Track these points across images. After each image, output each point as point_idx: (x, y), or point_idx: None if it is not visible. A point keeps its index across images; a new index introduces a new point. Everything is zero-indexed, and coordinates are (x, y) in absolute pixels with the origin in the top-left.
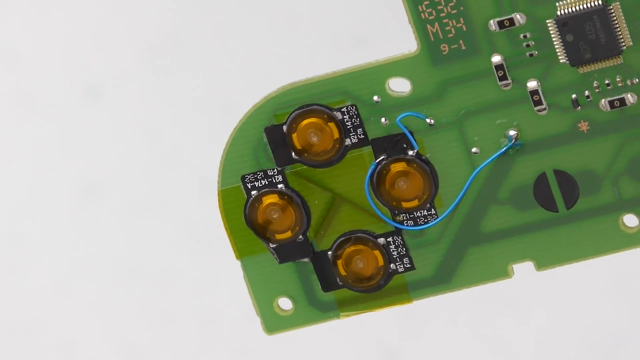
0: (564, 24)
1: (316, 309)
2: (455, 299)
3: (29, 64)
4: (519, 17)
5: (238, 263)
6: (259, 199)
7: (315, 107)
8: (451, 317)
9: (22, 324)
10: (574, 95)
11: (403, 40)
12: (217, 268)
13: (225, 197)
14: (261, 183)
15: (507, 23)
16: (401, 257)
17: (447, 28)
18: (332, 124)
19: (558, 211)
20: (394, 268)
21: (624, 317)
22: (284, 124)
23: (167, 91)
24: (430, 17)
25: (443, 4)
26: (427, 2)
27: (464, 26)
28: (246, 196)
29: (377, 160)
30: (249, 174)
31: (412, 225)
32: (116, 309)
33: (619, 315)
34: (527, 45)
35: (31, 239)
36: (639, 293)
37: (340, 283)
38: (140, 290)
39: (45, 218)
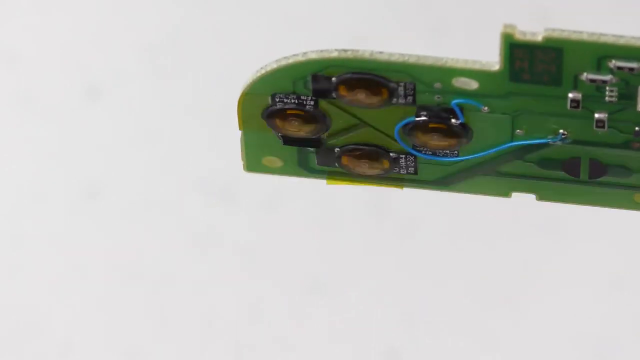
0: None
1: (304, 170)
2: (455, 299)
3: (29, 64)
4: (613, 78)
5: (238, 262)
6: (283, 110)
7: (372, 76)
8: (451, 318)
9: (22, 324)
10: (637, 128)
11: (403, 41)
12: (217, 268)
13: (247, 100)
14: (291, 101)
15: (599, 81)
16: (407, 166)
17: (536, 67)
18: (384, 89)
19: (579, 177)
20: (397, 171)
21: (623, 318)
22: (335, 76)
23: (167, 91)
24: (523, 57)
25: (541, 51)
26: (525, 49)
27: (554, 68)
28: (270, 103)
29: (417, 115)
30: (280, 93)
31: (430, 155)
32: (116, 309)
33: (619, 315)
34: (611, 93)
35: (31, 239)
36: (638, 293)
37: (338, 166)
38: (140, 291)
39: (45, 218)
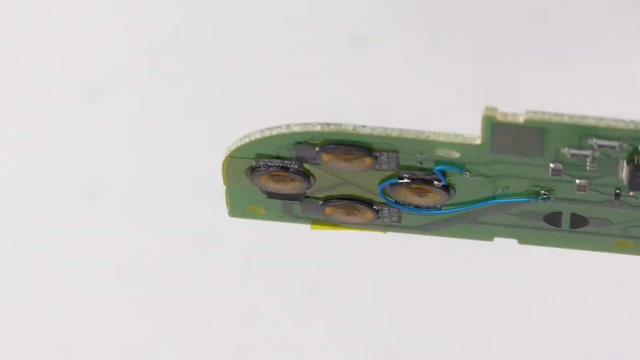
0: (638, 171)
1: (288, 216)
2: (454, 302)
3: (29, 64)
4: (594, 153)
5: (238, 262)
6: (267, 172)
7: (354, 147)
8: (450, 321)
9: (22, 324)
10: (618, 190)
11: (403, 41)
12: (217, 268)
13: (232, 162)
14: (274, 164)
15: (580, 156)
16: (390, 216)
17: (519, 142)
18: (367, 158)
19: (561, 227)
20: (381, 220)
21: (622, 320)
22: (319, 146)
23: (167, 91)
24: (506, 134)
25: (523, 130)
26: (506, 127)
27: (536, 143)
28: (255, 165)
29: (399, 177)
30: (265, 157)
31: (413, 209)
32: (115, 309)
33: (617, 317)
34: (592, 164)
35: (30, 238)
36: (637, 294)
37: (322, 215)
38: (140, 291)
39: (45, 218)
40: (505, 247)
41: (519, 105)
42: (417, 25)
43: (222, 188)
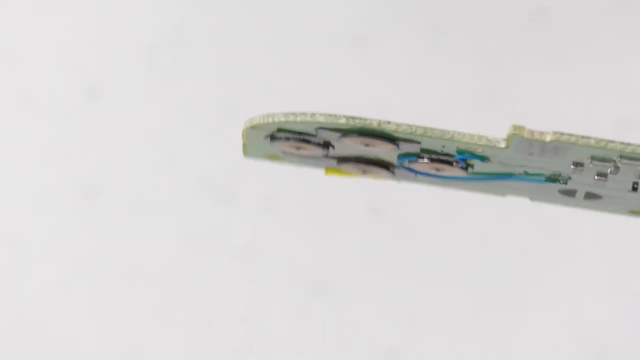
0: None
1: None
2: (455, 301)
3: (29, 64)
4: (616, 165)
5: (238, 262)
6: (287, 139)
7: (376, 138)
8: (451, 319)
9: (22, 324)
10: (636, 184)
11: (403, 41)
12: (217, 268)
13: (252, 133)
14: (295, 137)
15: (603, 165)
16: (406, 176)
17: (544, 149)
18: (390, 145)
19: (575, 197)
20: (395, 178)
21: (622, 319)
22: (340, 132)
23: (167, 91)
24: (532, 145)
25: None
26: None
27: (558, 157)
28: (277, 135)
29: (419, 156)
30: (286, 131)
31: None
32: (115, 309)
33: (617, 317)
34: (614, 170)
35: (31, 239)
36: (636, 295)
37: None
38: (139, 290)
39: (44, 217)
40: (505, 246)
41: (518, 105)
42: (417, 25)
43: (222, 190)
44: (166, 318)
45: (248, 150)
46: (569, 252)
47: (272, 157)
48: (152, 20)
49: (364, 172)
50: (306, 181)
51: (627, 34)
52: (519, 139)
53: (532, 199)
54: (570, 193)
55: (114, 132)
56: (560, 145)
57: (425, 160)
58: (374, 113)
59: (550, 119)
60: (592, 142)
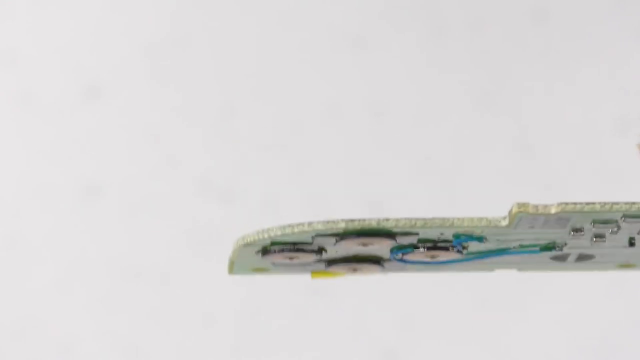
0: None
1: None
2: (454, 301)
3: (29, 64)
4: (619, 224)
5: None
6: (281, 252)
7: (376, 236)
8: (450, 320)
9: (22, 324)
10: (633, 240)
11: (403, 41)
12: (217, 268)
13: (244, 250)
14: (289, 248)
15: (604, 226)
16: (397, 268)
17: (547, 221)
18: (387, 241)
19: (566, 261)
20: (385, 271)
21: (621, 321)
22: (338, 237)
23: (167, 91)
24: (534, 220)
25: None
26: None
27: (562, 225)
28: (269, 249)
29: (415, 247)
30: (280, 244)
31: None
32: (115, 308)
33: (616, 318)
34: (613, 230)
35: (31, 238)
36: (636, 296)
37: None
38: (139, 290)
39: (45, 218)
40: None
41: (518, 106)
42: (417, 25)
43: (222, 190)
44: (166, 317)
45: (235, 267)
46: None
47: (259, 270)
48: (152, 20)
49: (354, 270)
50: (306, 181)
51: (627, 34)
52: (524, 215)
53: (520, 269)
54: (562, 258)
55: (114, 132)
56: (564, 215)
57: (421, 250)
58: (373, 113)
59: (550, 119)
60: (598, 207)
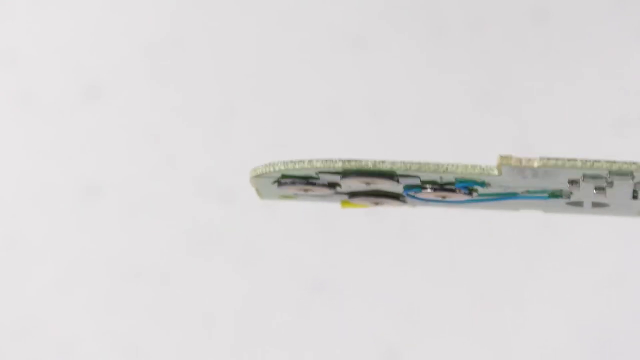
0: None
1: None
2: (454, 298)
3: (29, 64)
4: (607, 179)
5: (238, 261)
6: (294, 183)
7: (377, 176)
8: (451, 317)
9: (22, 324)
10: (635, 191)
11: (403, 40)
12: (217, 268)
13: (257, 180)
14: (300, 181)
15: (593, 180)
16: (415, 203)
17: (536, 172)
18: (389, 181)
19: (583, 207)
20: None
21: (621, 316)
22: (340, 174)
23: (167, 91)
24: (522, 171)
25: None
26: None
27: (551, 174)
28: (282, 181)
29: (422, 187)
30: (290, 177)
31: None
32: (115, 308)
33: (616, 314)
34: (608, 179)
35: (31, 238)
36: (636, 293)
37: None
38: (139, 290)
39: (45, 218)
40: (504, 244)
41: (518, 106)
42: (417, 25)
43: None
44: (166, 317)
45: (262, 194)
46: (569, 248)
47: (287, 197)
48: (152, 20)
49: (376, 204)
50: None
51: (627, 34)
52: (508, 167)
53: (545, 211)
54: (578, 204)
55: (114, 132)
56: (549, 169)
57: (429, 190)
58: (373, 113)
59: (550, 119)
60: (579, 163)
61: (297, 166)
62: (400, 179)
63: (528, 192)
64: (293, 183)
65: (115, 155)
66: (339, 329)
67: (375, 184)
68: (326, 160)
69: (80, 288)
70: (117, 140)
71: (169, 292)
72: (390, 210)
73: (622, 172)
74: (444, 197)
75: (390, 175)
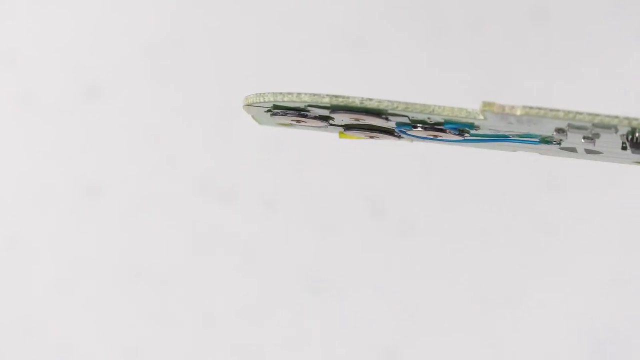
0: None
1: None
2: (454, 299)
3: (29, 64)
4: (591, 132)
5: (239, 264)
6: (286, 114)
7: (365, 113)
8: (450, 317)
9: (22, 324)
10: (624, 144)
11: (402, 41)
12: (217, 268)
13: (250, 109)
14: (292, 112)
15: (577, 131)
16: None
17: (520, 121)
18: (378, 119)
19: (577, 152)
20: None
21: (621, 316)
22: (329, 109)
23: (167, 91)
24: (505, 118)
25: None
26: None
27: (535, 123)
28: (274, 110)
29: (413, 126)
30: (281, 108)
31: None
32: (115, 309)
33: (616, 314)
34: (593, 131)
35: (31, 238)
36: (636, 293)
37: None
38: (139, 290)
39: (45, 218)
40: (504, 243)
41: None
42: (417, 25)
43: (222, 190)
44: (166, 317)
45: (259, 120)
46: (568, 248)
47: (284, 125)
48: (152, 20)
49: (371, 137)
50: (306, 181)
51: (627, 34)
52: (491, 113)
53: (541, 153)
54: (571, 150)
55: (114, 132)
56: (532, 118)
57: (419, 128)
58: None
59: None
60: (561, 114)
61: (285, 98)
62: (390, 118)
63: (519, 136)
64: (285, 114)
65: (115, 155)
66: (339, 329)
67: (365, 120)
68: (314, 95)
69: (80, 288)
70: (117, 140)
71: (169, 292)
72: (387, 143)
73: (604, 125)
74: (435, 136)
75: (377, 113)
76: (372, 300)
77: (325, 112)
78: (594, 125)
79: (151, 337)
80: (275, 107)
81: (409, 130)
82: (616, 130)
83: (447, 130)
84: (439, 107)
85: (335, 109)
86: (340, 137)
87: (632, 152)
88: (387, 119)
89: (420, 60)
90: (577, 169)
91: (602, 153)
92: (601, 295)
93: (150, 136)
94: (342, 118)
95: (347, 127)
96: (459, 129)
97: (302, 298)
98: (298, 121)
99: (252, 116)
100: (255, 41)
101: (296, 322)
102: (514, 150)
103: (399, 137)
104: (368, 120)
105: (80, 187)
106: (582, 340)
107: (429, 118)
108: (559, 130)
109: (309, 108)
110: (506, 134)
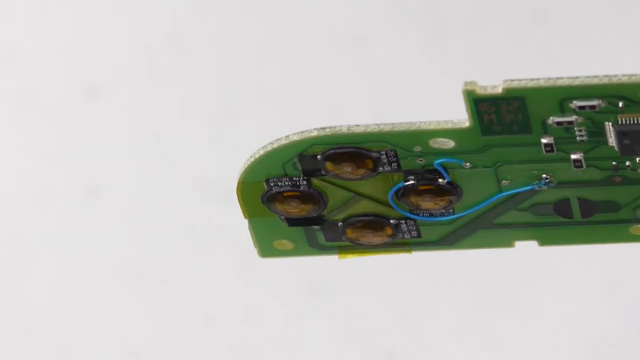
0: (623, 133)
1: (315, 248)
2: (455, 301)
3: (29, 64)
4: (578, 119)
5: (238, 264)
6: (279, 193)
7: (353, 149)
8: (451, 320)
9: (22, 324)
10: (614, 162)
11: (403, 41)
12: (217, 268)
13: (245, 189)
14: (284, 183)
15: (565, 123)
16: (410, 230)
17: (504, 118)
18: (368, 160)
19: (573, 218)
20: (401, 236)
21: (622, 320)
22: (320, 154)
23: (167, 91)
24: (489, 110)
25: (504, 102)
26: (488, 102)
27: (520, 117)
28: (266, 188)
29: (405, 180)
30: (273, 178)
31: (428, 217)
32: (115, 309)
33: (617, 317)
34: (580, 132)
35: (31, 238)
36: (636, 295)
37: (345, 239)
38: (139, 291)
39: (45, 218)
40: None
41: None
42: (417, 25)
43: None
44: (166, 317)
45: (259, 240)
46: (569, 251)
47: (284, 246)
48: (152, 20)
49: (370, 234)
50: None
51: (627, 34)
52: (473, 96)
53: (540, 242)
54: (566, 209)
55: (114, 132)
56: (515, 101)
57: (411, 181)
58: (373, 114)
59: None
60: (542, 82)
61: (275, 145)
62: (380, 157)
63: (509, 179)
64: (278, 187)
65: (115, 155)
66: (340, 331)
67: (359, 165)
68: (302, 132)
69: (80, 288)
70: (117, 140)
71: (169, 292)
72: (384, 257)
73: (586, 89)
74: (429, 197)
75: (367, 149)
76: (373, 302)
77: (317, 163)
78: (576, 95)
79: (151, 337)
80: (267, 176)
81: (402, 189)
82: (600, 105)
83: (439, 179)
84: (424, 122)
85: (325, 148)
86: (340, 257)
87: (622, 152)
88: (377, 158)
89: (420, 60)
90: None
91: (597, 209)
92: (601, 297)
93: (150, 136)
94: (333, 168)
95: (344, 220)
96: (448, 172)
97: (302, 298)
98: (293, 198)
99: (250, 224)
100: (255, 41)
101: (296, 323)
102: (512, 246)
103: (396, 226)
104: (358, 166)
105: (80, 187)
106: (582, 341)
107: (420, 160)
108: (545, 137)
109: (300, 169)
110: (498, 188)
